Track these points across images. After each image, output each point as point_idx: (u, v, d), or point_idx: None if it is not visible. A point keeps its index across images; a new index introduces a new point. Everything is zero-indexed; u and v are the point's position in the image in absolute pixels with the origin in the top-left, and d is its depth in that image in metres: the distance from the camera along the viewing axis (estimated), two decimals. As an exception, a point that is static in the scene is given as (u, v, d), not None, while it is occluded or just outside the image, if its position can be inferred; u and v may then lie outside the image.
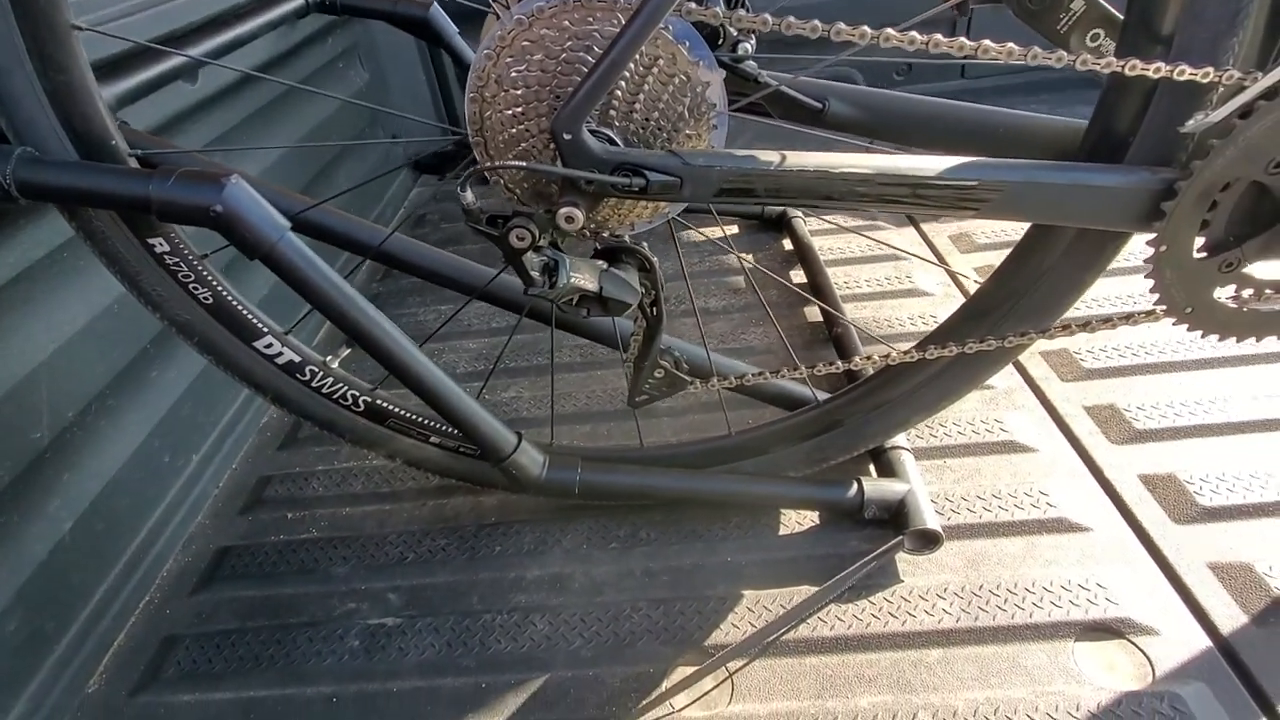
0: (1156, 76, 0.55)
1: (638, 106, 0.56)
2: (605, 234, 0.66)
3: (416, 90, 2.00)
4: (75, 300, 0.88)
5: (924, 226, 1.46)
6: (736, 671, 0.75)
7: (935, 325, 1.18)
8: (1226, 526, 0.82)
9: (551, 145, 0.56)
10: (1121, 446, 0.94)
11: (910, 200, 0.58)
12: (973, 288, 1.27)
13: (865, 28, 0.54)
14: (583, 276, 0.62)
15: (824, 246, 1.43)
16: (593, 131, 0.54)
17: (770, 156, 0.55)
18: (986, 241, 1.39)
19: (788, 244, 1.46)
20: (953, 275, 1.30)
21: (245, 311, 0.76)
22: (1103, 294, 1.19)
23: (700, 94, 0.58)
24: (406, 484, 1.02)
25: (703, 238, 1.48)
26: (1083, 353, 1.08)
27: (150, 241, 0.70)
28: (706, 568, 0.85)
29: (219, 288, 0.74)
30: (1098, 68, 0.55)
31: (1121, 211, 0.62)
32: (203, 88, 1.07)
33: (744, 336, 1.24)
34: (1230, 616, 0.74)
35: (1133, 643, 0.73)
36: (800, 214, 1.48)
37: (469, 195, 0.55)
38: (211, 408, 1.10)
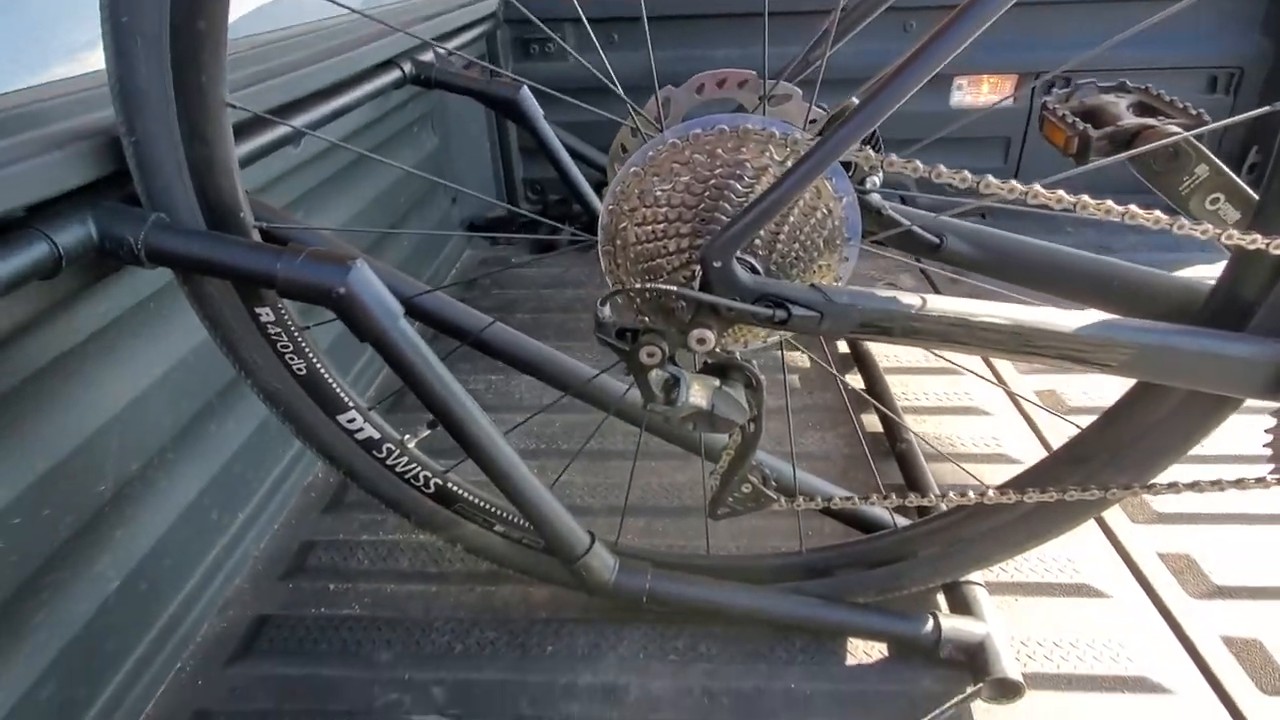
0: (1301, 257, 0.55)
1: (781, 237, 0.57)
2: (718, 349, 0.66)
3: (478, 157, 2.06)
4: (154, 351, 0.87)
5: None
6: (805, 817, 0.70)
7: (997, 447, 1.18)
8: (1320, 704, 0.78)
9: (690, 265, 0.56)
10: (1200, 601, 0.90)
11: (1046, 354, 0.57)
12: (1032, 411, 1.27)
13: (1014, 182, 0.54)
14: (698, 394, 0.61)
15: (879, 353, 1.43)
16: (738, 258, 0.54)
17: (911, 300, 0.55)
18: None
19: (843, 346, 1.46)
20: (1014, 399, 1.29)
21: (334, 385, 0.75)
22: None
23: (838, 227, 0.58)
24: (455, 565, 0.99)
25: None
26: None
27: (257, 311, 0.70)
28: (770, 693, 0.81)
29: (314, 360, 0.73)
30: (1243, 243, 0.55)
31: (1248, 380, 0.61)
32: (301, 152, 1.09)
33: (800, 441, 1.22)
34: (1333, 808, 0.69)
35: (1231, 829, 0.68)
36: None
37: (606, 311, 0.55)
38: (260, 464, 1.08)
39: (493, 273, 1.84)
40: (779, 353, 1.42)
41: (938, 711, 0.74)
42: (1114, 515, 1.04)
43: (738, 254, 0.54)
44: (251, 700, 0.83)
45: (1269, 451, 0.64)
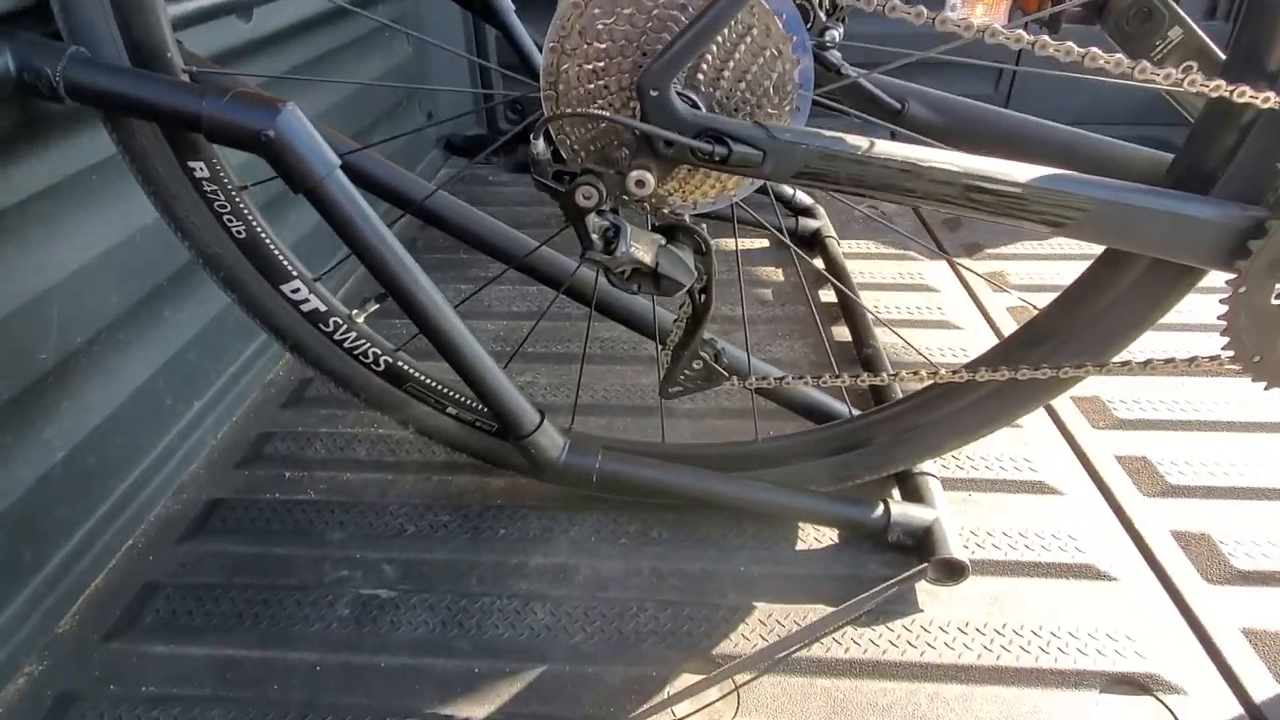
0: (1265, 106, 0.53)
1: (725, 74, 0.54)
2: (665, 210, 0.64)
3: (456, 71, 1.99)
4: (100, 224, 0.84)
5: (959, 262, 1.44)
6: (744, 685, 0.71)
7: (965, 357, 1.17)
8: (1262, 591, 0.79)
9: (632, 104, 0.54)
10: (1153, 500, 0.91)
11: (994, 207, 0.55)
12: (1005, 327, 1.26)
13: (972, 19, 0.52)
14: (641, 248, 0.59)
15: (855, 270, 1.42)
16: (679, 93, 0.52)
17: (859, 142, 0.52)
18: (1020, 283, 1.37)
19: (819, 263, 1.44)
20: (983, 310, 1.28)
21: (277, 252, 0.73)
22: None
23: (788, 72, 0.56)
24: (412, 456, 0.99)
25: (731, 246, 1.45)
26: (1115, 401, 1.06)
27: (191, 165, 0.68)
28: (718, 575, 0.82)
29: (254, 223, 0.71)
30: (1205, 90, 0.53)
31: (1207, 246, 0.59)
32: (254, 29, 1.05)
33: (769, 348, 1.21)
34: (1264, 684, 0.70)
35: (1161, 701, 0.69)
36: (834, 234, 1.47)
37: (540, 145, 0.52)
38: (219, 356, 1.06)
39: (461, 173, 1.81)
40: (748, 265, 1.40)
41: (881, 587, 0.75)
42: (1075, 421, 1.04)
43: (679, 89, 0.52)
44: (201, 575, 0.83)
45: (1224, 324, 0.63)
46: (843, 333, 1.23)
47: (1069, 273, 1.38)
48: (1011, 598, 0.79)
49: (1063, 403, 1.07)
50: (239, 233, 0.71)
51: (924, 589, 0.79)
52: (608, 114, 0.52)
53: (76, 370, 0.82)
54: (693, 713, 0.69)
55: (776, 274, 1.43)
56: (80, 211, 0.82)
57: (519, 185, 1.85)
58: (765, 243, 1.54)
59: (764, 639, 0.75)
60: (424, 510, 0.90)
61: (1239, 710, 0.68)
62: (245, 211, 0.70)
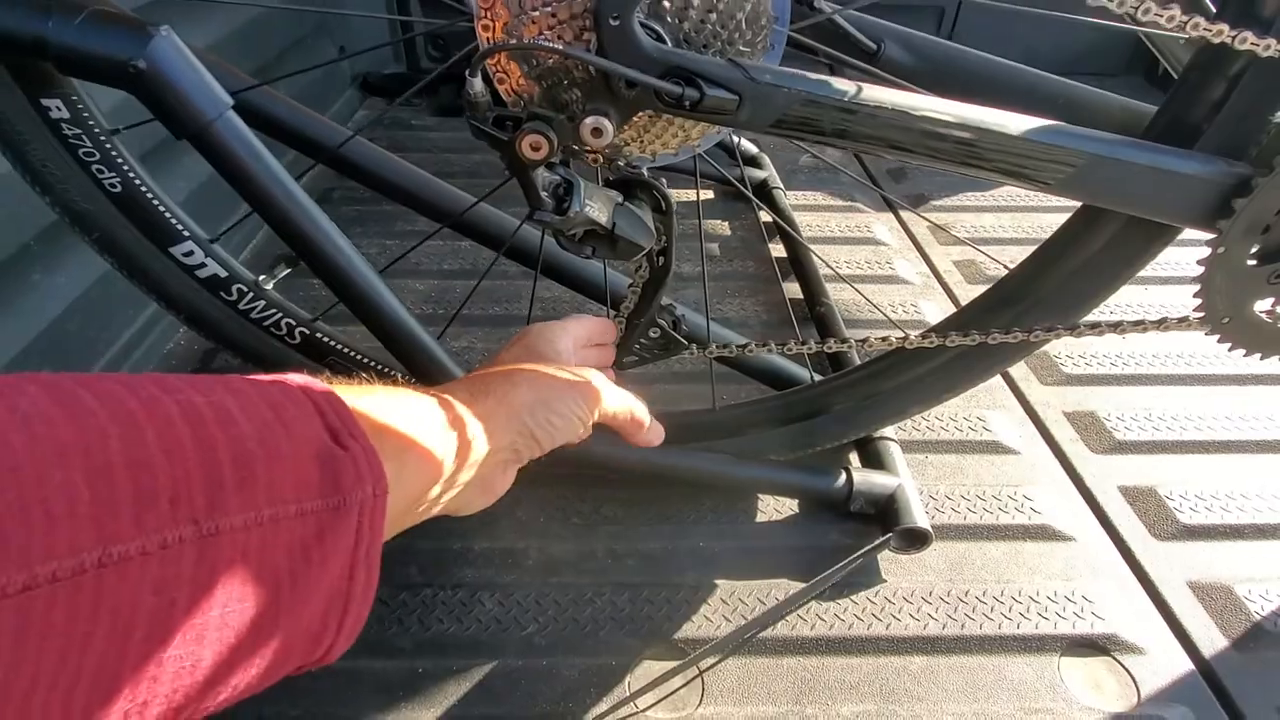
0: (1265, 55, 0.50)
1: (695, 3, 0.46)
2: (621, 162, 0.56)
3: (371, 3, 1.81)
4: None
5: (903, 215, 1.41)
6: (708, 669, 0.68)
7: (916, 314, 1.15)
8: (1206, 546, 0.80)
9: (586, 35, 0.46)
10: (1102, 456, 0.91)
11: (987, 162, 0.50)
12: (952, 280, 1.24)
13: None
14: (596, 207, 0.52)
15: (802, 223, 1.37)
16: (642, 24, 0.44)
17: (846, 86, 0.46)
18: (966, 235, 1.35)
19: (765, 216, 1.39)
20: (932, 266, 1.26)
21: (162, 209, 0.62)
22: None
23: (762, 3, 0.49)
24: (338, 433, 0.90)
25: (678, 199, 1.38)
26: (1062, 357, 1.06)
27: (45, 103, 0.56)
28: (677, 553, 0.78)
29: (131, 175, 0.60)
30: (1209, 34, 0.49)
31: (1189, 203, 0.56)
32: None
33: (719, 307, 1.16)
34: (1211, 639, 0.72)
35: (1118, 661, 0.70)
36: (781, 185, 1.41)
37: (478, 84, 0.44)
38: (106, 324, 0.94)
39: (381, 117, 1.66)
40: (691, 218, 1.34)
41: (846, 561, 0.72)
42: (1024, 377, 1.03)
43: (641, 18, 0.44)
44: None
45: (1197, 285, 0.61)
46: (793, 290, 1.19)
47: (1013, 225, 1.39)
48: (972, 562, 0.78)
49: (1012, 359, 1.06)
50: (112, 185, 0.60)
51: (886, 557, 0.77)
52: (559, 46, 0.44)
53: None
54: (656, 703, 0.65)
55: (723, 227, 1.37)
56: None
57: (446, 130, 1.71)
58: (710, 194, 1.47)
59: (727, 619, 0.72)
60: (353, 494, 0.82)
61: (1190, 666, 0.69)
62: (119, 160, 0.59)
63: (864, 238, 1.34)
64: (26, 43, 0.48)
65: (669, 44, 0.46)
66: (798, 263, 1.21)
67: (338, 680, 0.65)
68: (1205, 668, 0.69)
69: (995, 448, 0.92)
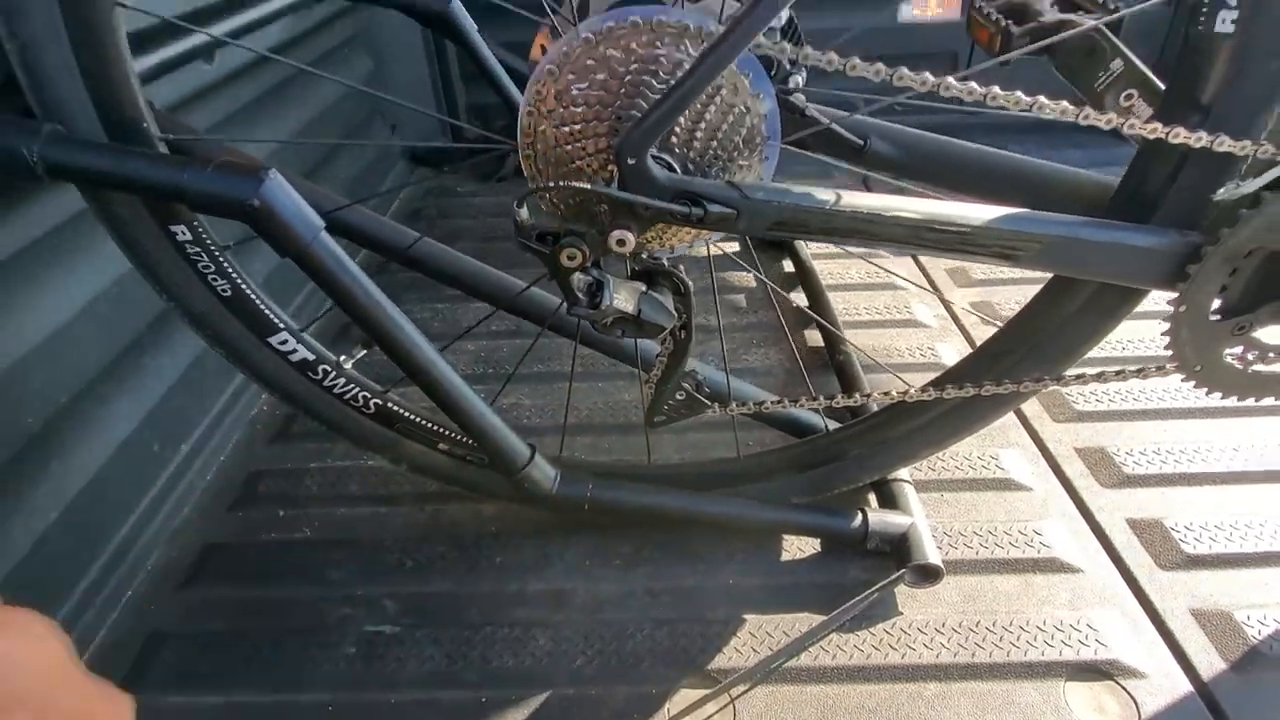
0: (1198, 145, 0.57)
1: (698, 135, 0.57)
2: (644, 255, 0.66)
3: (418, 83, 1.98)
4: (75, 281, 0.85)
5: (923, 259, 1.48)
6: (739, 697, 0.75)
7: (933, 357, 1.22)
8: (1209, 574, 0.85)
9: (609, 166, 0.56)
10: (1111, 490, 0.97)
11: (955, 247, 0.59)
12: (968, 322, 1.31)
13: (927, 74, 0.55)
14: (623, 298, 0.62)
15: (822, 270, 1.46)
16: (654, 157, 0.54)
17: (826, 195, 0.56)
18: (982, 277, 1.42)
19: (788, 265, 1.48)
20: (950, 309, 1.33)
21: (263, 306, 0.74)
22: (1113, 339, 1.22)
23: (756, 126, 0.59)
24: (404, 487, 1.01)
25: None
26: (1074, 394, 1.11)
27: (172, 229, 0.68)
28: (709, 590, 0.86)
29: (239, 280, 0.72)
30: (1144, 132, 0.57)
31: (1149, 270, 0.64)
32: (216, 69, 1.04)
33: (744, 357, 1.24)
34: (1210, 663, 0.76)
35: (1121, 685, 0.75)
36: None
37: (524, 212, 0.55)
38: (203, 397, 1.07)
39: (408, 185, 1.80)
40: (721, 272, 1.43)
41: (863, 595, 0.79)
42: (1037, 415, 1.09)
43: (654, 152, 0.54)
44: (205, 621, 0.85)
45: (1167, 339, 0.68)
46: (815, 337, 1.27)
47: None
48: (983, 595, 0.84)
49: (1025, 398, 1.12)
50: (224, 291, 0.72)
51: (902, 592, 0.84)
52: (588, 186, 0.54)
53: (62, 430, 0.82)
54: (693, 727, 0.73)
55: (748, 279, 1.46)
56: (57, 270, 0.82)
57: (488, 195, 1.86)
58: (736, 245, 1.57)
59: (755, 650, 0.79)
60: (420, 542, 0.93)
61: (1189, 689, 0.74)
62: (230, 270, 0.71)
63: (882, 283, 1.42)
64: (167, 190, 0.60)
65: (678, 171, 0.56)
66: (819, 311, 1.29)
67: (414, 710, 0.75)
68: (1204, 690, 0.74)
69: (1008, 485, 0.98)
